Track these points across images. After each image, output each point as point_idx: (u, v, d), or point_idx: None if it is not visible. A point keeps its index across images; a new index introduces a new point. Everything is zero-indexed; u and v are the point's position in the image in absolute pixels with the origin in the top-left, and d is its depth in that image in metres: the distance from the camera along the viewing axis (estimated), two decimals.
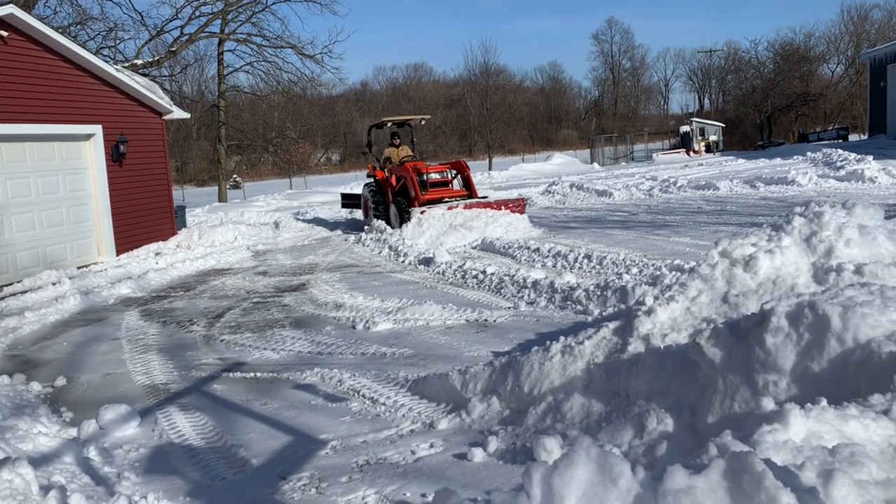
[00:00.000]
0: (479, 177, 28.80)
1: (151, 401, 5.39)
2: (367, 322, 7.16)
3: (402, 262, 10.86)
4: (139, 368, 6.31)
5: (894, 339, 3.01)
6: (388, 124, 16.68)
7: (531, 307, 7.38)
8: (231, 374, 5.91)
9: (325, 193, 27.96)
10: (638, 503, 1.59)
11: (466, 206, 12.83)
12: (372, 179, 15.84)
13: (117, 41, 26.31)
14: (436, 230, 12.37)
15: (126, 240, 13.19)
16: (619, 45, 77.68)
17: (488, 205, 13.03)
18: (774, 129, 51.78)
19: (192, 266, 11.97)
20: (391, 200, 14.80)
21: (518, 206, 13.21)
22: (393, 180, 14.88)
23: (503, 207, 12.96)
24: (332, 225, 17.55)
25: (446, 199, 13.72)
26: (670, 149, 45.58)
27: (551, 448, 3.50)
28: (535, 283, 7.89)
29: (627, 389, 4.03)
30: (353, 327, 7.14)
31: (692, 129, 44.70)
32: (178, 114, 15.16)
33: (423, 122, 17.33)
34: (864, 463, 1.88)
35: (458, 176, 14.56)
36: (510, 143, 66.97)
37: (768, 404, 2.43)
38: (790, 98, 51.88)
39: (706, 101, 72.81)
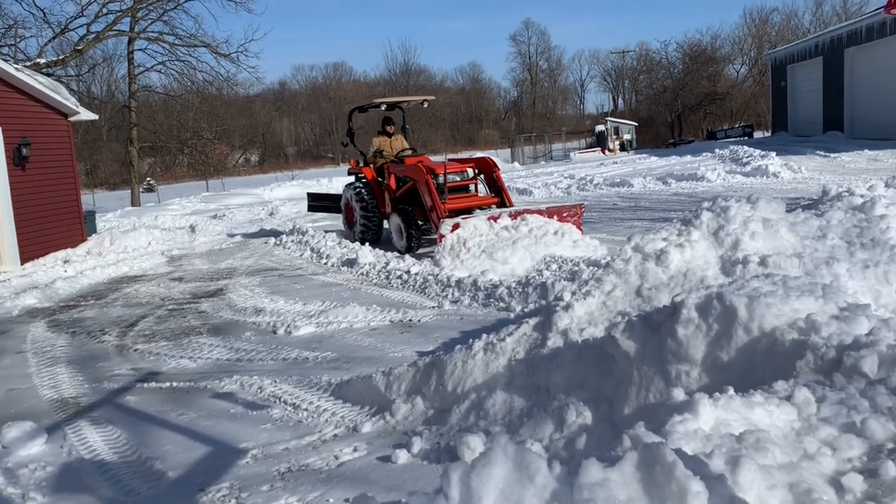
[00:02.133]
0: None
1: (60, 416, 5.14)
2: (288, 326, 7.03)
3: (325, 263, 10.73)
4: (46, 382, 6.01)
5: (796, 328, 3.16)
6: (381, 107, 12.60)
7: (455, 306, 7.42)
8: (146, 385, 5.70)
9: (244, 195, 27.36)
10: (554, 498, 1.61)
11: (512, 216, 9.56)
12: (354, 178, 12.51)
13: (18, 39, 25.05)
14: (481, 251, 9.10)
15: (31, 248, 12.54)
16: (537, 46, 79.01)
17: (539, 213, 9.76)
18: (685, 128, 53.71)
19: (104, 273, 11.49)
20: (389, 210, 11.38)
21: (574, 214, 9.97)
22: (392, 181, 11.50)
23: (556, 216, 9.75)
24: (250, 228, 17.17)
25: (476, 209, 10.41)
26: (587, 148, 46.66)
27: (474, 446, 3.52)
28: (459, 282, 7.93)
29: (548, 384, 4.09)
30: (274, 332, 7.00)
31: (607, 129, 45.89)
32: (86, 115, 14.53)
33: (425, 104, 13.08)
34: (769, 448, 1.96)
35: (482, 177, 11.28)
36: (432, 143, 67.14)
37: (679, 395, 2.51)
38: (699, 97, 53.93)
39: (620, 100, 74.89)
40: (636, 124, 48.73)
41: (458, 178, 10.88)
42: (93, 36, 27.77)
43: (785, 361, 3.01)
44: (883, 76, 24.72)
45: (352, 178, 12.58)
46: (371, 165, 12.29)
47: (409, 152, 12.16)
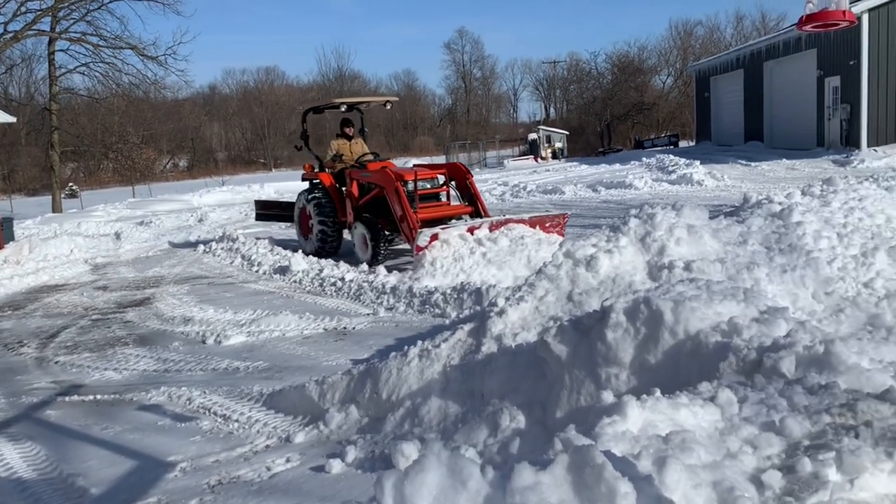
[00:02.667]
0: None
1: None
2: (218, 336, 6.88)
3: (256, 271, 10.54)
4: None
5: (719, 330, 3.28)
6: (341, 107, 11.68)
7: (390, 313, 7.40)
8: (67, 398, 5.48)
9: (173, 201, 26.63)
10: (488, 503, 1.62)
11: (493, 226, 8.98)
12: (309, 185, 11.74)
13: None
14: (464, 264, 8.41)
15: None
16: (470, 54, 79.65)
17: (521, 223, 9.17)
18: (613, 137, 55.02)
19: (22, 283, 11.00)
20: (351, 219, 10.54)
21: (557, 224, 9.54)
22: (355, 188, 10.62)
23: (538, 226, 9.27)
24: (179, 235, 16.72)
25: (450, 219, 9.79)
26: (520, 155, 47.21)
27: (409, 453, 3.49)
28: (394, 289, 7.91)
29: (482, 389, 4.13)
30: (204, 342, 6.84)
31: (539, 137, 46.59)
32: (3, 117, 13.90)
33: (387, 106, 12.20)
34: (694, 448, 2.02)
35: (454, 184, 10.51)
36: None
37: (608, 397, 2.56)
38: (627, 107, 55.35)
39: (552, 109, 76.12)
40: (567, 133, 49.64)
41: (429, 186, 10.14)
42: (10, 35, 26.61)
43: (709, 363, 3.12)
44: (798, 88, 25.91)
45: (307, 185, 11.83)
46: (328, 170, 11.43)
47: (371, 157, 11.33)
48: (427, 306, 7.32)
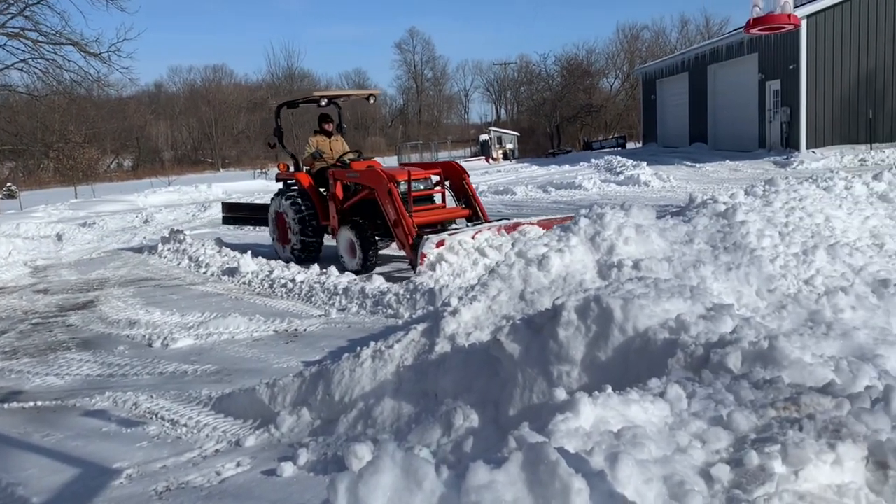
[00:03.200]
0: None
1: None
2: (165, 339, 6.73)
3: (204, 273, 10.33)
4: None
5: (668, 327, 3.34)
6: (321, 101, 10.69)
7: (343, 314, 7.34)
8: (6, 405, 5.28)
9: (117, 202, 25.99)
10: (443, 503, 1.62)
11: (506, 229, 8.32)
12: (283, 185, 10.87)
13: None
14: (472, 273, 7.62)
15: None
16: (422, 55, 79.69)
17: (532, 225, 8.47)
18: (563, 138, 55.65)
19: None
20: (334, 223, 9.71)
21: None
22: (339, 189, 9.76)
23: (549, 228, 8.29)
24: (124, 236, 16.31)
25: (449, 223, 9.27)
26: (472, 156, 47.43)
27: (362, 455, 3.48)
28: (346, 290, 7.85)
29: (436, 389, 4.12)
30: (150, 345, 6.68)
31: (491, 138, 46.89)
32: None
33: (371, 100, 11.49)
34: (645, 443, 2.05)
35: (448, 184, 9.82)
36: None
37: (561, 394, 2.59)
38: (576, 109, 56.06)
39: (503, 111, 76.70)
40: (518, 134, 50.05)
41: (422, 187, 9.42)
42: None
43: (658, 359, 3.18)
44: (741, 92, 26.63)
45: (282, 186, 10.93)
46: (305, 170, 10.63)
47: (355, 155, 10.47)
48: (380, 307, 7.28)
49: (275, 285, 8.84)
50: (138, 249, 13.47)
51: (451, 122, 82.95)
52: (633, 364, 3.29)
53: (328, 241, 10.29)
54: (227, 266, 10.17)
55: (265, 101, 65.79)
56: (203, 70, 77.29)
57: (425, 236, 8.12)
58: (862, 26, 21.88)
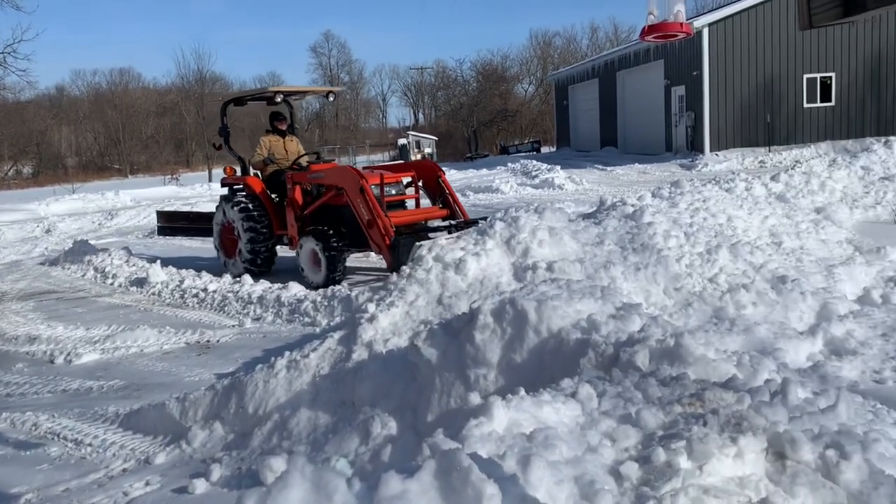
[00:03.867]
0: (199, 188, 27.35)
1: None
2: (68, 354, 6.41)
3: (111, 284, 9.90)
4: None
5: (580, 327, 3.41)
6: (276, 98, 9.61)
7: (257, 323, 7.17)
8: None
9: (16, 211, 24.59)
10: None
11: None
12: (228, 191, 9.81)
13: None
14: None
15: None
16: (337, 58, 79.07)
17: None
18: (480, 142, 56.31)
19: None
20: (293, 232, 8.91)
21: None
22: (298, 194, 8.93)
23: None
24: (23, 247, 15.46)
25: (426, 223, 8.70)
26: (390, 160, 47.39)
27: (277, 468, 3.40)
28: (261, 298, 7.67)
29: (353, 397, 4.08)
30: (52, 362, 6.35)
31: (409, 142, 46.91)
32: None
33: (330, 98, 10.63)
34: (557, 445, 2.08)
35: (421, 183, 9.06)
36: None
37: (475, 399, 2.60)
38: (492, 114, 56.86)
39: (420, 115, 76.93)
40: (436, 138, 50.29)
41: (394, 192, 8.60)
42: None
43: (571, 359, 3.24)
44: (648, 97, 27.60)
45: (227, 192, 9.84)
46: (254, 173, 9.72)
47: (312, 157, 9.58)
48: (296, 315, 7.15)
49: (186, 295, 8.56)
50: (39, 261, 12.79)
51: (369, 126, 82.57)
52: (548, 364, 3.34)
53: (283, 252, 9.61)
54: (136, 276, 9.78)
55: (175, 105, 63.80)
56: (108, 73, 74.20)
57: (418, 243, 7.18)
58: (759, 35, 23.04)
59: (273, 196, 9.46)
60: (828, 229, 7.45)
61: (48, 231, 18.29)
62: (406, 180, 8.89)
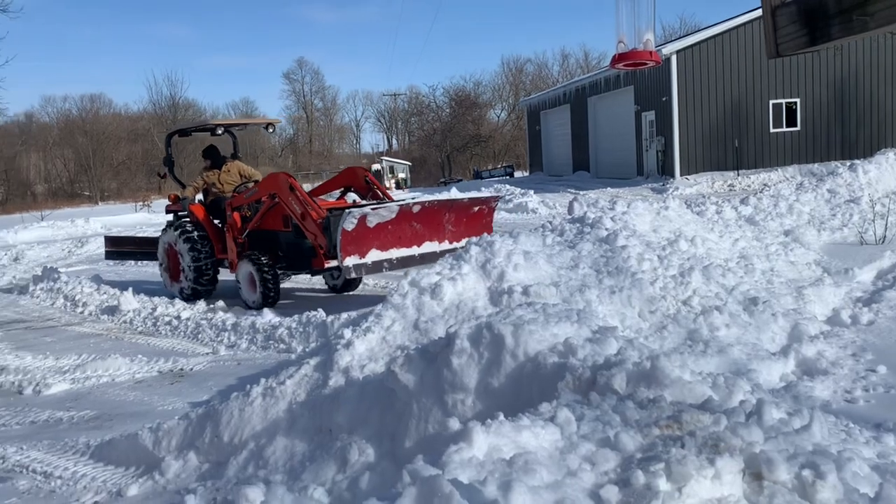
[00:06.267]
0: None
1: None
2: (37, 385, 6.28)
3: (81, 312, 9.75)
4: None
5: (556, 351, 3.42)
6: (218, 131, 10.14)
7: (232, 350, 7.09)
8: None
9: None
10: None
11: (424, 209, 8.38)
12: (173, 217, 10.15)
13: None
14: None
15: None
16: (311, 85, 79.29)
17: (448, 206, 8.77)
18: (454, 167, 56.66)
19: None
20: (233, 257, 9.30)
21: (488, 207, 9.39)
22: (237, 218, 9.31)
23: (476, 208, 9.16)
24: None
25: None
26: None
27: (254, 497, 3.34)
28: (236, 325, 7.60)
29: (330, 424, 4.04)
30: (20, 392, 6.21)
31: (383, 168, 47.08)
32: None
33: (269, 129, 11.05)
34: (537, 469, 2.08)
35: (352, 190, 9.78)
36: None
37: (455, 424, 2.59)
38: (465, 139, 57.30)
39: (394, 141, 77.28)
40: (410, 164, 50.56)
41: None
42: None
43: (548, 383, 3.24)
44: (619, 122, 28.02)
45: (171, 218, 10.21)
46: (199, 200, 10.14)
47: (241, 188, 9.84)
48: (271, 341, 7.09)
49: (158, 323, 8.45)
50: (7, 289, 12.55)
51: (342, 151, 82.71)
52: (526, 389, 3.35)
53: (224, 276, 9.87)
54: (107, 304, 9.64)
55: (147, 132, 63.38)
56: (79, 99, 73.64)
57: (346, 210, 7.63)
58: (726, 61, 23.57)
59: (215, 221, 9.92)
60: (796, 251, 7.59)
61: (16, 259, 17.95)
62: (336, 194, 9.82)
